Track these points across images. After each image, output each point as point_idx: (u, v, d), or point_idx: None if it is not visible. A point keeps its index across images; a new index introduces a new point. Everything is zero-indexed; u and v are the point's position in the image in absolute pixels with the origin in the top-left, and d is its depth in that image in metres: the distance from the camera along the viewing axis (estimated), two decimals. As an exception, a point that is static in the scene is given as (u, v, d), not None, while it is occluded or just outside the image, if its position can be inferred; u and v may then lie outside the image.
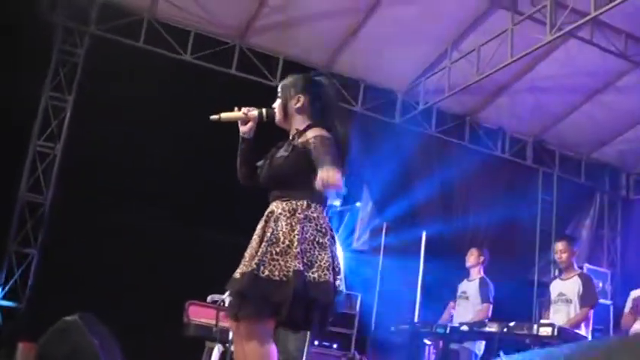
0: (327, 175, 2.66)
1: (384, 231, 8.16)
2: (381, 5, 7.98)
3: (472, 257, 6.94)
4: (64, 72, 7.74)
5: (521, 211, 10.07)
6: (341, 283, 2.85)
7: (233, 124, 3.13)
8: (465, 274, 7.03)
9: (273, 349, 2.78)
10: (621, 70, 8.70)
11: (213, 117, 3.07)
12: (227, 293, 2.98)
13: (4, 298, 7.19)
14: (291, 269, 2.68)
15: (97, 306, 5.93)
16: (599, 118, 9.72)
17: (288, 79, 3.17)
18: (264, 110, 3.09)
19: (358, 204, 6.05)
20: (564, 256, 5.77)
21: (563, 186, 10.50)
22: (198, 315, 6.64)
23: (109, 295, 6.69)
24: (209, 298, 6.58)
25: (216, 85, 8.12)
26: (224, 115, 3.09)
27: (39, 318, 6.70)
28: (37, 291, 7.26)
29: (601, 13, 6.62)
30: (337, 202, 6.24)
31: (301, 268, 2.68)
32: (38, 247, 7.40)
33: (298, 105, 3.06)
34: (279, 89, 3.15)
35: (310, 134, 2.91)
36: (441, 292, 7.58)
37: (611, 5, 6.47)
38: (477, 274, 6.88)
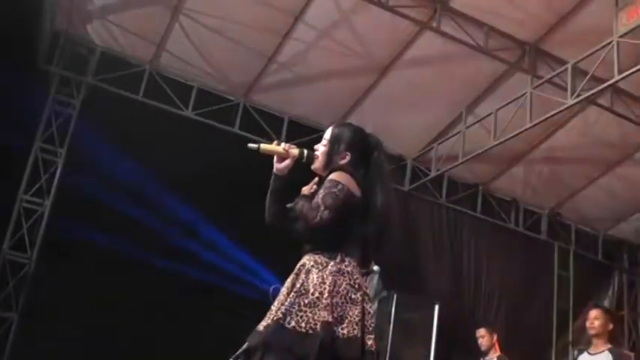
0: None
1: (393, 302, 7.66)
2: (395, 66, 7.71)
3: (485, 339, 6.70)
4: (58, 123, 7.38)
5: (537, 286, 9.57)
6: (372, 343, 2.63)
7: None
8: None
9: None
10: (640, 142, 8.42)
11: (252, 145, 2.88)
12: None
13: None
14: (319, 321, 2.53)
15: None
16: (617, 191, 9.39)
17: (340, 129, 2.97)
18: (305, 151, 2.90)
19: (376, 267, 5.70)
20: (597, 323, 5.18)
21: (580, 262, 10.06)
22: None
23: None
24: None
25: (217, 143, 7.79)
26: (263, 146, 2.89)
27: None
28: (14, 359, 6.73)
29: (623, 78, 6.38)
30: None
31: (330, 320, 2.53)
32: (19, 310, 6.85)
33: (343, 162, 2.87)
34: (327, 135, 2.96)
35: (331, 176, 2.75)
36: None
37: (633, 70, 6.24)
38: (493, 353, 6.65)
